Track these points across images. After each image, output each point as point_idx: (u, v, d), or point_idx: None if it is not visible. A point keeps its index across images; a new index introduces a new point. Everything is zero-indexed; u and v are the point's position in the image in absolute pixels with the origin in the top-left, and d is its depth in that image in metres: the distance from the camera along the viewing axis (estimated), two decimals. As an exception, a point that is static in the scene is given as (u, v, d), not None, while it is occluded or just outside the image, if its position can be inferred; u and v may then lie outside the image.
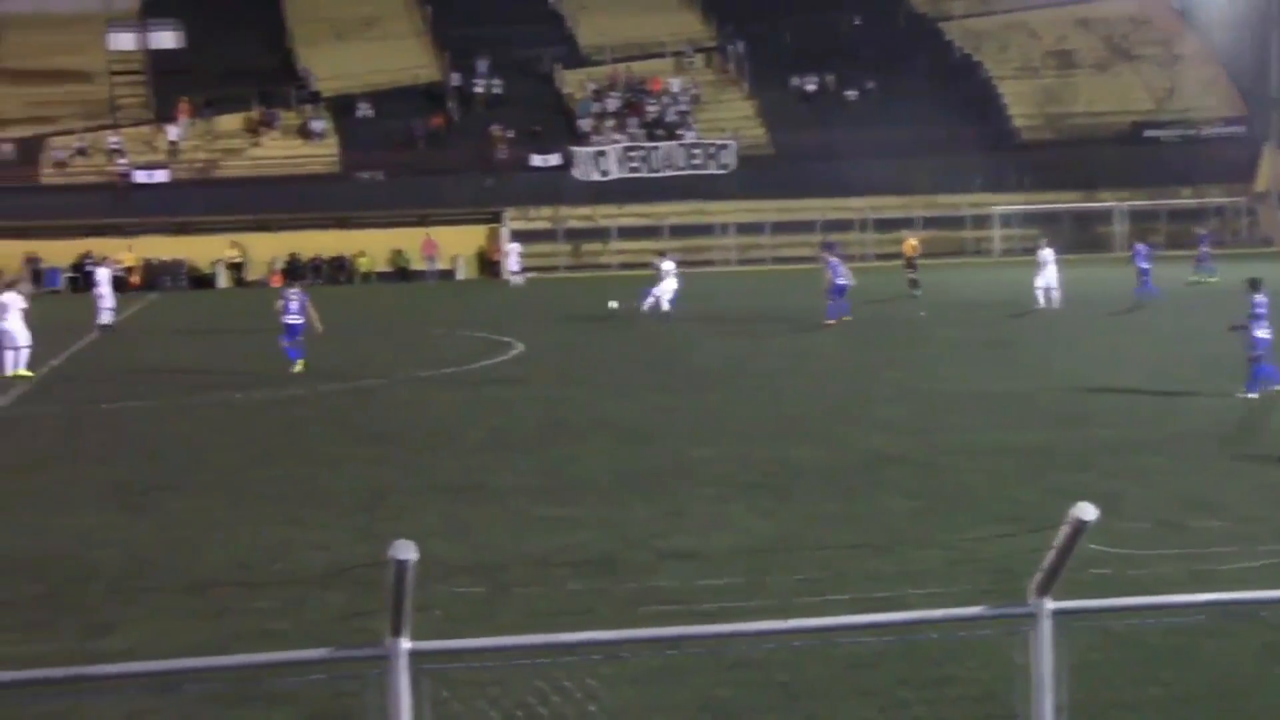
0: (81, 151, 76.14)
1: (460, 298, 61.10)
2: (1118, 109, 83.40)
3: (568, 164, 77.11)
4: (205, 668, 7.78)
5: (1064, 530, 7.01)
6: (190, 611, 13.70)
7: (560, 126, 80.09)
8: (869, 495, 18.27)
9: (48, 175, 75.36)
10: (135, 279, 70.32)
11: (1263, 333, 25.49)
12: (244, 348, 39.07)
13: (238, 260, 73.00)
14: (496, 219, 74.61)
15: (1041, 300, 44.49)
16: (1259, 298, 25.74)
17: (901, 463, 20.32)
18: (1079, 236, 74.91)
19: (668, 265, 46.21)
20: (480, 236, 75.33)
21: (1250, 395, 25.22)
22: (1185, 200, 78.82)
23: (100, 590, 14.52)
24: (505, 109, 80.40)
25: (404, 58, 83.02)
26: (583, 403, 27.57)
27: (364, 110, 79.76)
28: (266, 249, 72.27)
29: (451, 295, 62.77)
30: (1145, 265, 46.62)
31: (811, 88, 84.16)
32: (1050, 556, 7.10)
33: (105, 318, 45.71)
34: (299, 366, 32.70)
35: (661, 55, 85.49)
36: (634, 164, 77.78)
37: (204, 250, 72.62)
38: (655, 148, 78.37)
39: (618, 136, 79.00)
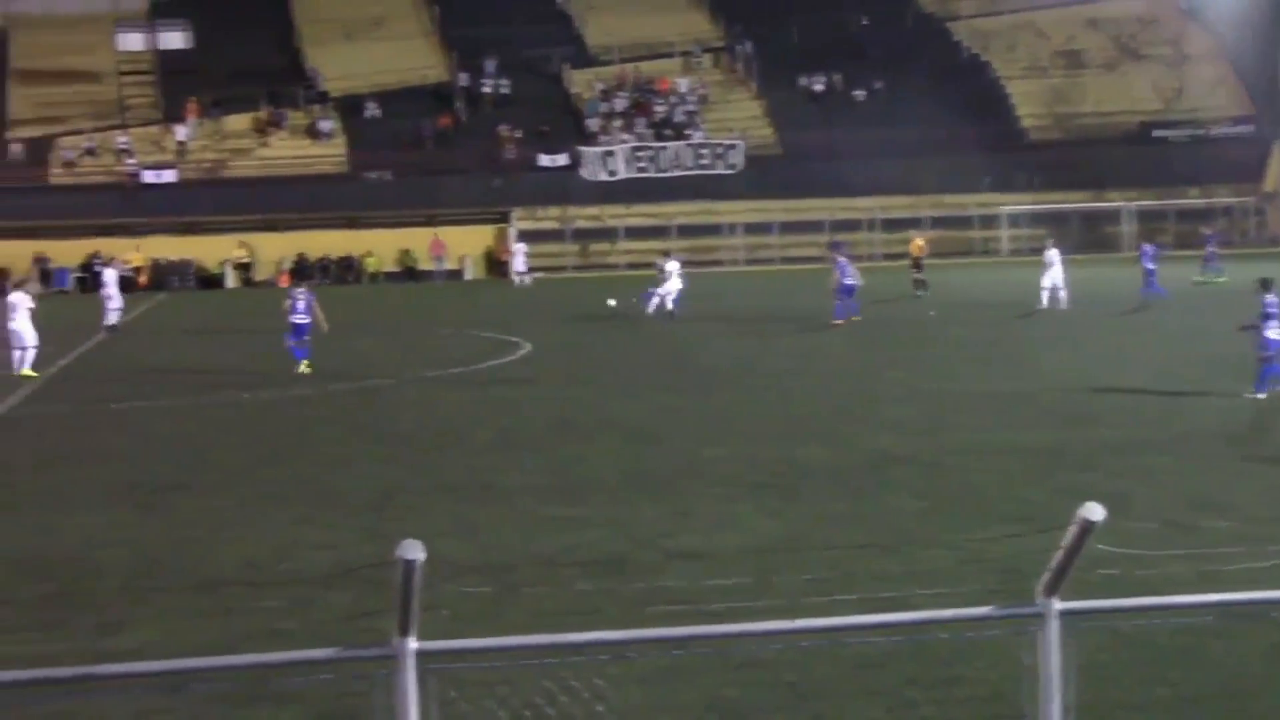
0: (90, 152, 76.26)
1: (468, 298, 61.12)
2: (1126, 109, 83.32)
3: (575, 164, 77.12)
4: (213, 667, 7.79)
5: (1072, 530, 7.01)
6: (198, 611, 13.72)
7: (568, 126, 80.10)
8: (877, 495, 18.26)
9: (56, 175, 75.46)
10: (143, 279, 70.43)
11: (1274, 333, 25.41)
12: (252, 348, 39.11)
13: (246, 260, 73.06)
14: (504, 219, 74.65)
15: (1045, 301, 44.44)
16: (1270, 298, 25.66)
17: (909, 463, 20.31)
18: (1087, 236, 74.85)
19: (671, 265, 46.14)
20: (488, 236, 75.36)
21: (1259, 395, 25.16)
22: (1194, 200, 78.70)
23: (109, 589, 14.54)
24: (513, 109, 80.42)
25: (412, 58, 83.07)
26: (590, 403, 27.57)
27: (372, 110, 79.82)
28: (274, 249, 72.32)
29: (459, 295, 62.80)
30: (1151, 266, 46.53)
31: (819, 88, 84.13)
32: (1058, 557, 7.10)
33: (112, 318, 45.73)
34: (304, 367, 32.71)
35: (669, 55, 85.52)
36: (642, 164, 77.78)
37: (212, 250, 72.68)
38: (663, 148, 78.37)
39: (625, 136, 79.01)
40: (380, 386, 30.91)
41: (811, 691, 10.91)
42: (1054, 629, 7.21)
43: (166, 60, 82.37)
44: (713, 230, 75.66)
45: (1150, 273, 46.53)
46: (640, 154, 77.99)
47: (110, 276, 47.61)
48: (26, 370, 33.74)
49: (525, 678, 9.02)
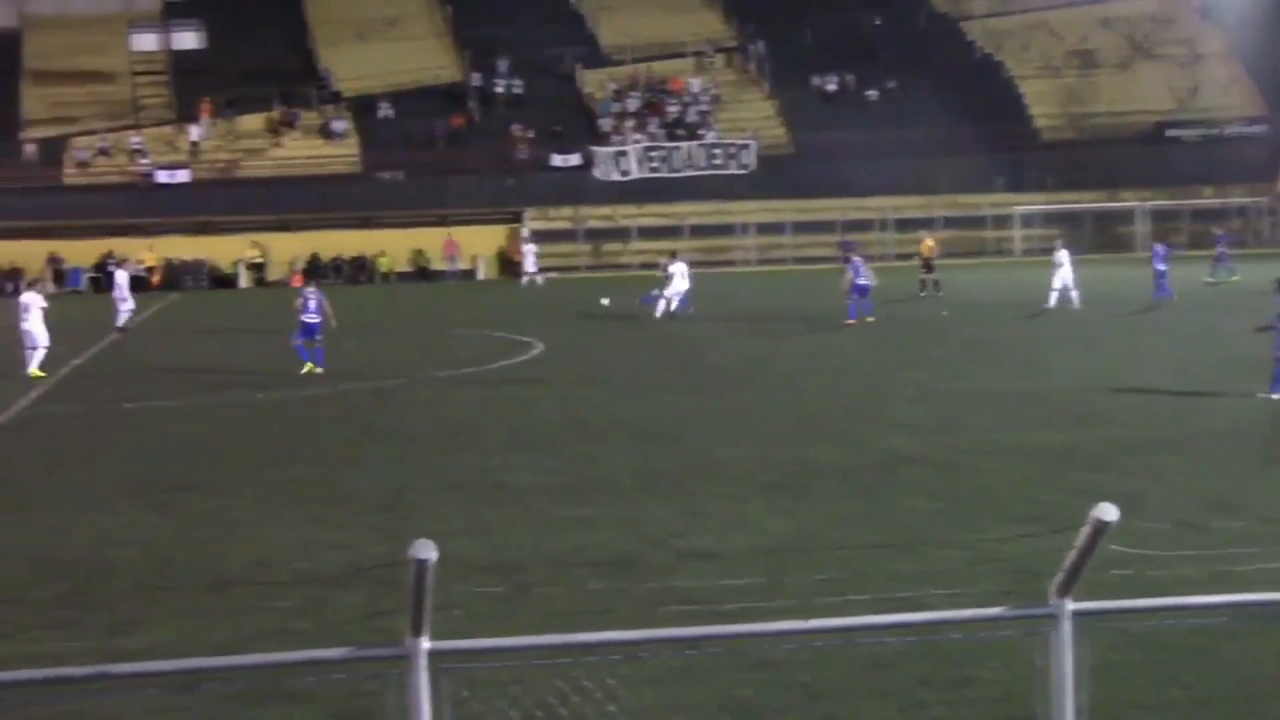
0: (104, 152, 76.42)
1: (480, 298, 61.16)
2: (1139, 108, 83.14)
3: (588, 164, 77.12)
4: (226, 666, 7.80)
5: (1085, 531, 7.00)
6: (211, 610, 13.74)
7: (581, 126, 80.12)
8: (889, 495, 18.24)
9: (70, 175, 75.61)
10: (157, 279, 70.54)
11: (1290, 333, 25.32)
12: (264, 348, 39.12)
13: (259, 260, 73.13)
14: (517, 219, 74.66)
15: (1054, 301, 44.33)
16: (1286, 299, 25.57)
17: (921, 463, 20.29)
18: (1100, 237, 74.74)
19: (675, 267, 45.91)
20: (501, 236, 75.38)
21: (1273, 396, 25.09)
22: (1207, 200, 78.51)
23: (121, 589, 14.56)
24: (526, 109, 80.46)
25: (425, 58, 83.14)
26: (602, 403, 27.58)
27: (385, 110, 79.89)
28: (287, 249, 72.39)
29: (472, 295, 62.84)
30: (1162, 266, 46.42)
31: (832, 87, 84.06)
32: (1071, 557, 7.09)
33: (122, 319, 45.76)
34: (308, 368, 32.67)
35: (682, 55, 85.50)
36: (654, 164, 77.76)
37: (225, 250, 72.78)
38: (676, 148, 78.34)
39: (638, 136, 79.00)
40: (393, 386, 30.94)
41: (824, 691, 10.91)
42: (1067, 630, 7.20)
43: (180, 60, 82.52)
44: (725, 230, 75.66)
45: (1161, 273, 46.43)
46: (653, 154, 77.98)
47: (121, 278, 47.68)
48: (35, 370, 33.72)
49: (538, 677, 9.03)
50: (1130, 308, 44.19)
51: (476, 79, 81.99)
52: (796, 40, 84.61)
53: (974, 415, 24.70)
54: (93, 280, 69.66)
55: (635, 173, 77.29)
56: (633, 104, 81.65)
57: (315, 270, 68.21)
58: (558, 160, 77.44)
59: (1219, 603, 9.34)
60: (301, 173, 75.69)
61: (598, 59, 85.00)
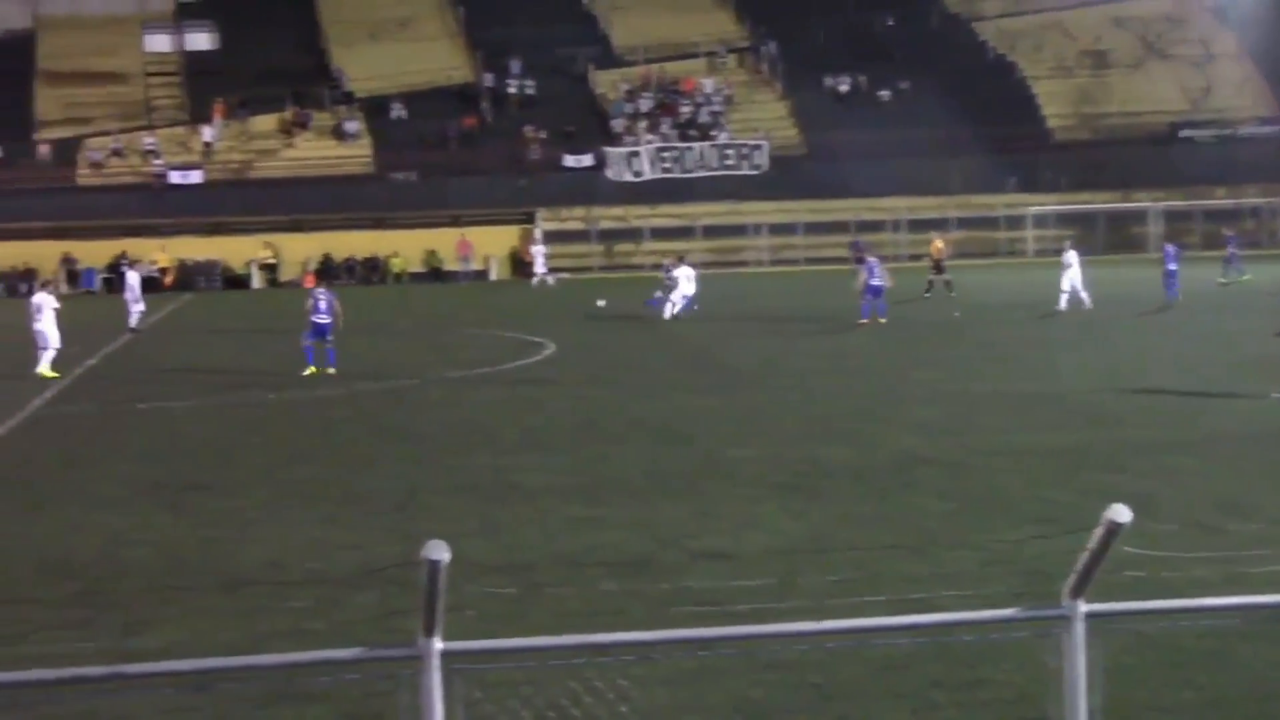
0: (117, 152, 76.59)
1: (493, 298, 61.19)
2: (1153, 109, 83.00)
3: (601, 164, 77.14)
4: (239, 667, 7.82)
5: (1098, 532, 6.99)
6: (224, 610, 13.76)
7: (593, 127, 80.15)
8: (901, 496, 18.23)
9: (84, 176, 75.78)
10: (169, 279, 70.66)
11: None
12: (277, 348, 39.14)
13: (271, 261, 73.21)
14: (529, 220, 74.70)
15: (1064, 303, 44.22)
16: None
17: (934, 463, 20.27)
18: (1114, 237, 74.61)
19: (679, 271, 45.79)
20: (513, 237, 75.39)
21: (1286, 397, 25.07)
22: (1220, 200, 78.33)
23: (135, 589, 14.58)
24: (538, 109, 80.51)
25: (437, 58, 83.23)
26: (615, 403, 27.58)
27: (397, 111, 80.00)
28: (300, 249, 72.49)
29: (484, 296, 62.87)
30: (1173, 267, 46.34)
31: (844, 88, 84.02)
32: (1084, 558, 7.08)
33: (134, 320, 45.82)
34: (311, 370, 32.66)
35: (695, 56, 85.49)
36: (667, 164, 77.75)
37: (238, 251, 72.89)
38: (688, 148, 78.33)
39: (651, 137, 79.00)
40: (405, 387, 30.97)
41: (836, 693, 10.90)
42: (1079, 631, 7.19)
43: (193, 61, 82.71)
44: (738, 231, 75.65)
45: (1171, 274, 46.34)
46: (665, 154, 77.98)
47: (133, 279, 47.75)
48: (46, 370, 33.76)
49: (550, 678, 9.03)
50: (1142, 308, 44.12)
51: (489, 79, 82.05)
52: (809, 41, 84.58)
53: (986, 416, 24.67)
54: (106, 281, 69.77)
55: (648, 173, 77.28)
56: (645, 105, 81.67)
57: (328, 271, 68.24)
58: (570, 161, 77.48)
59: (1232, 605, 9.33)
60: (314, 173, 75.81)
61: (610, 60, 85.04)
